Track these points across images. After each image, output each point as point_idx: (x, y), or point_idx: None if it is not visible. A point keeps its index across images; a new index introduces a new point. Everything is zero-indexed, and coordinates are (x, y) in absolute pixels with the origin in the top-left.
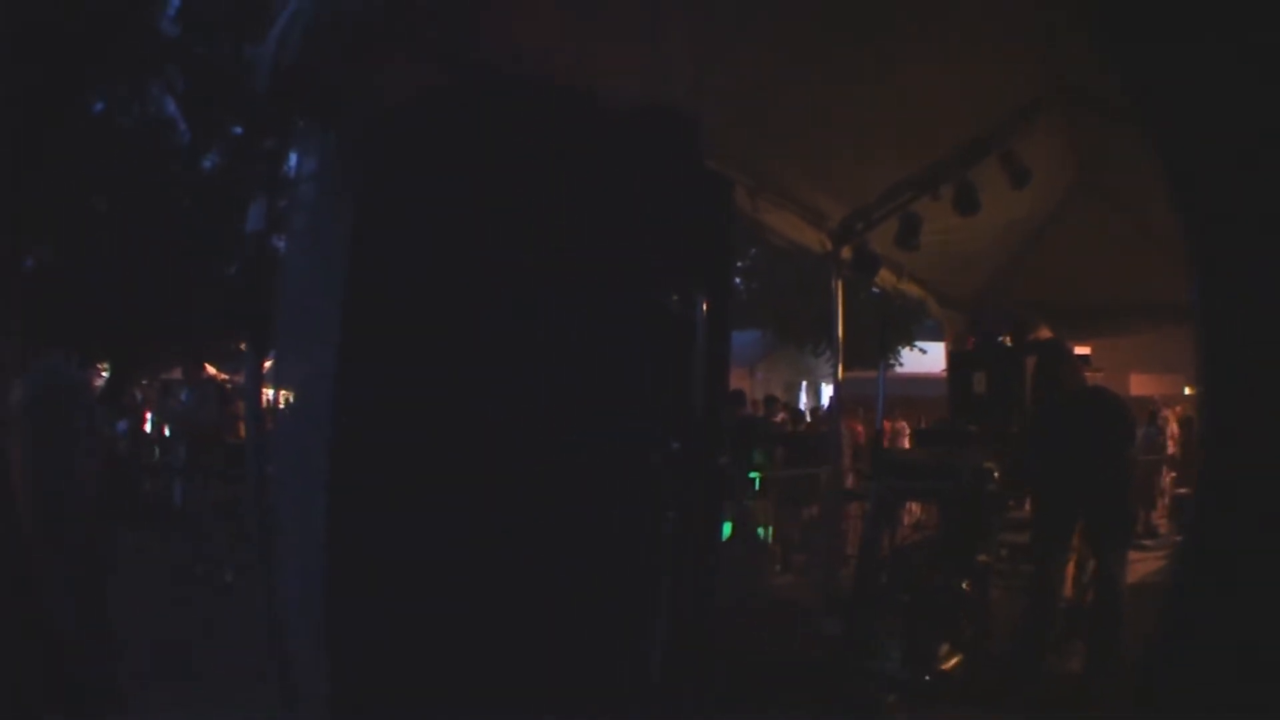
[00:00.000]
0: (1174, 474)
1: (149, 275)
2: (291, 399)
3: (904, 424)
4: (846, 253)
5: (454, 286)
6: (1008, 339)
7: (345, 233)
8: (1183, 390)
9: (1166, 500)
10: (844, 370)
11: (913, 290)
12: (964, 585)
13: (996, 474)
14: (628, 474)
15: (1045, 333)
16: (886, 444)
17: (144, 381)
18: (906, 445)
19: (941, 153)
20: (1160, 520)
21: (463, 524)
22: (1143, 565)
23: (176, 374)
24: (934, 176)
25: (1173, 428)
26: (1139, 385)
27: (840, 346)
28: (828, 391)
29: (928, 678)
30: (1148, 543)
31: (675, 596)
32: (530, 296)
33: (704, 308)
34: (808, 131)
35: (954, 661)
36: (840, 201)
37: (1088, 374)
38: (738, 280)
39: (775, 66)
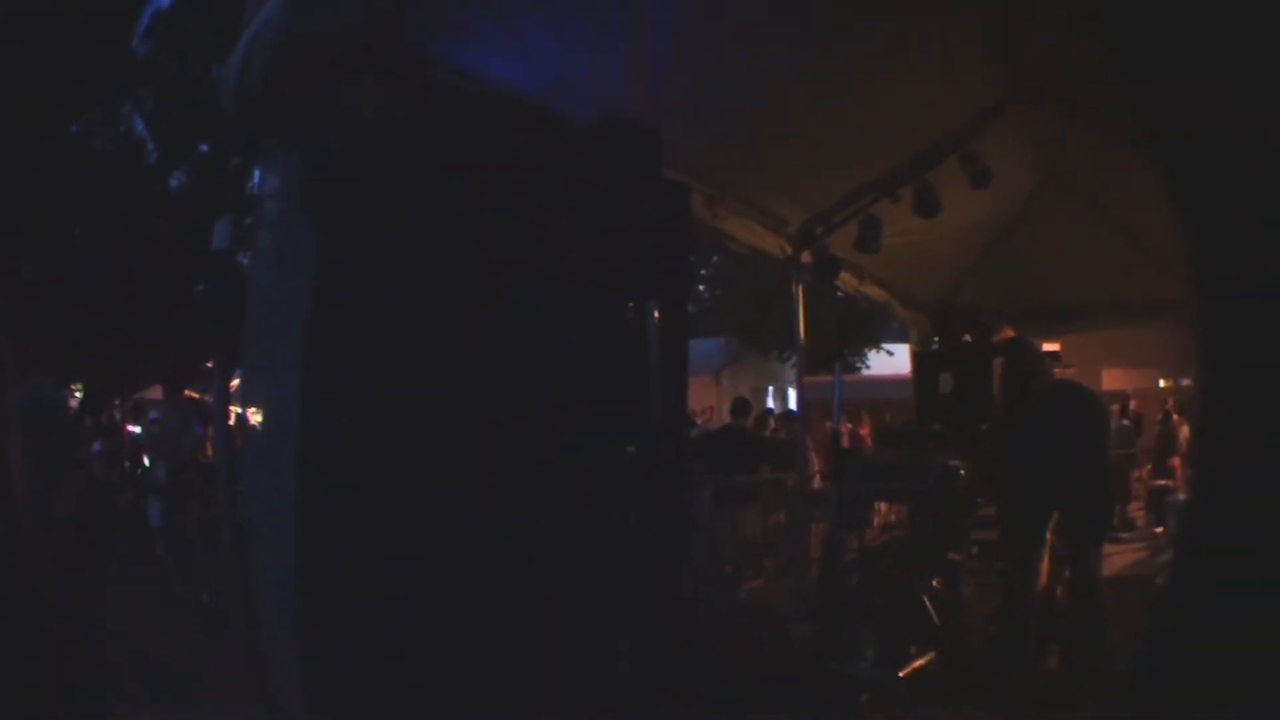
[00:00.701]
0: (1150, 466)
1: (123, 294)
2: (259, 417)
3: (865, 427)
4: (807, 257)
5: (416, 300)
6: (973, 339)
7: (309, 249)
8: (1157, 383)
9: (1143, 493)
10: (810, 375)
11: (875, 293)
12: (935, 583)
13: (964, 473)
14: (584, 477)
15: (1009, 332)
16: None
17: (117, 401)
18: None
19: (902, 156)
20: (1138, 513)
21: (428, 535)
22: (1119, 558)
23: (156, 393)
24: (894, 179)
25: (1151, 421)
26: (1111, 380)
27: (802, 351)
28: (793, 395)
29: (901, 676)
30: (1124, 535)
31: (643, 600)
32: (490, 309)
33: (656, 315)
34: (767, 138)
35: (927, 660)
36: (800, 206)
37: (1058, 370)
38: (702, 288)
39: (734, 73)
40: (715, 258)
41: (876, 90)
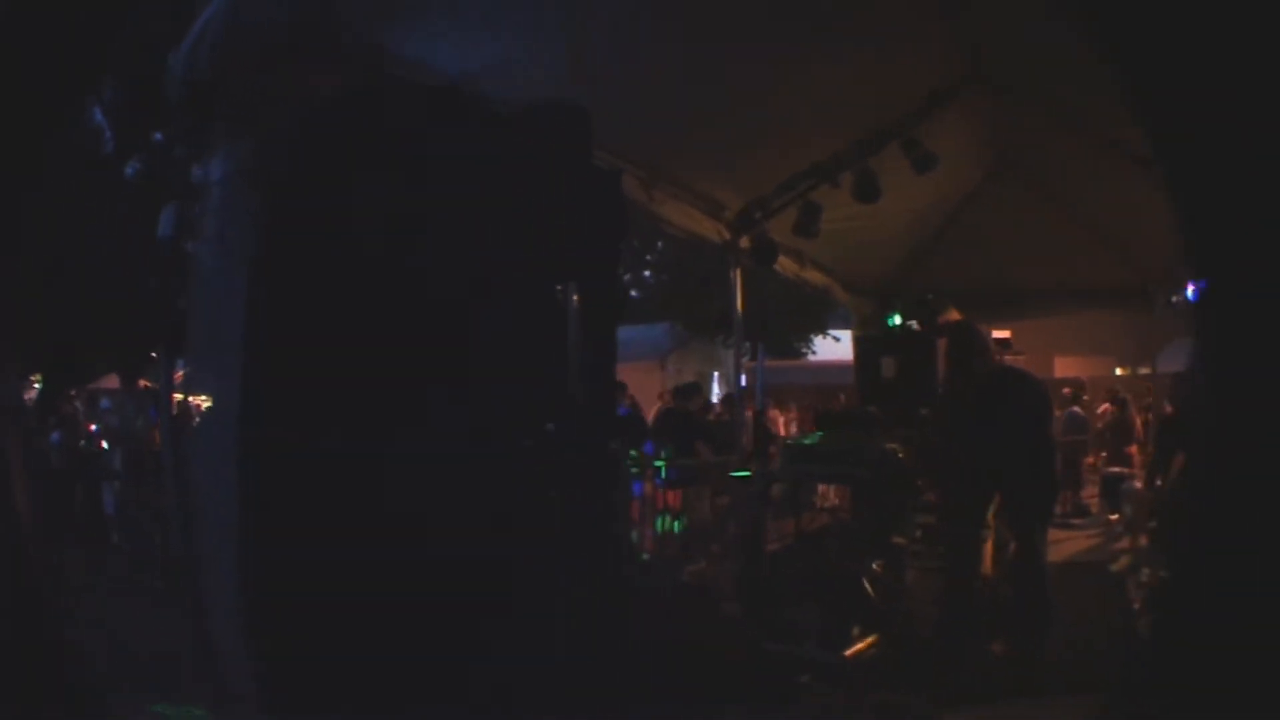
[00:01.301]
0: (1104, 453)
1: (78, 283)
2: (204, 405)
3: (793, 413)
4: (745, 242)
5: (348, 285)
6: (917, 323)
7: (250, 236)
8: (1113, 371)
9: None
10: (757, 360)
11: (816, 278)
12: (875, 566)
13: (902, 456)
14: (503, 456)
15: (954, 315)
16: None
17: (74, 393)
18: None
19: (844, 141)
20: (1091, 500)
21: (365, 518)
22: (1071, 544)
23: (113, 383)
24: (835, 165)
25: (1104, 407)
26: (1064, 367)
27: (740, 335)
28: (742, 381)
29: (843, 657)
30: (1076, 522)
31: (570, 578)
32: (424, 294)
33: (575, 298)
34: (705, 123)
35: (869, 642)
36: (739, 191)
37: (1009, 357)
38: (647, 273)
39: (672, 58)
40: (660, 243)
41: (819, 75)
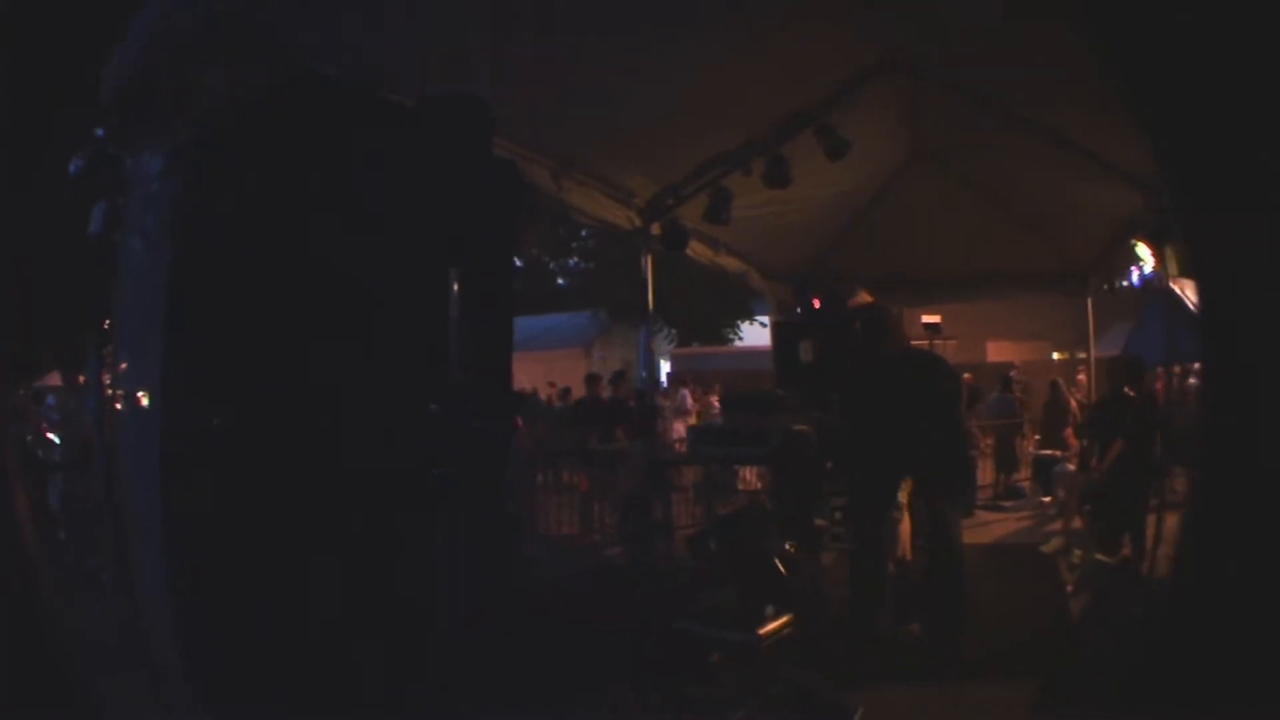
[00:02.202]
0: (1037, 437)
1: (16, 279)
2: (129, 396)
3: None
4: (657, 229)
5: (256, 278)
6: (827, 306)
7: (170, 229)
8: (1049, 356)
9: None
10: (681, 346)
11: (731, 263)
12: (788, 546)
13: (809, 437)
14: (391, 437)
15: (866, 298)
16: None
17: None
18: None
19: (757, 128)
20: (1026, 482)
21: (275, 505)
22: (1000, 526)
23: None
24: (747, 152)
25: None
26: (996, 352)
27: (651, 321)
28: (665, 367)
29: (755, 636)
30: (1007, 504)
31: (463, 562)
32: (325, 284)
33: (455, 286)
34: (617, 112)
35: (782, 622)
36: (651, 179)
37: (939, 341)
38: (573, 261)
39: (580, 47)
40: (585, 231)
41: (732, 62)
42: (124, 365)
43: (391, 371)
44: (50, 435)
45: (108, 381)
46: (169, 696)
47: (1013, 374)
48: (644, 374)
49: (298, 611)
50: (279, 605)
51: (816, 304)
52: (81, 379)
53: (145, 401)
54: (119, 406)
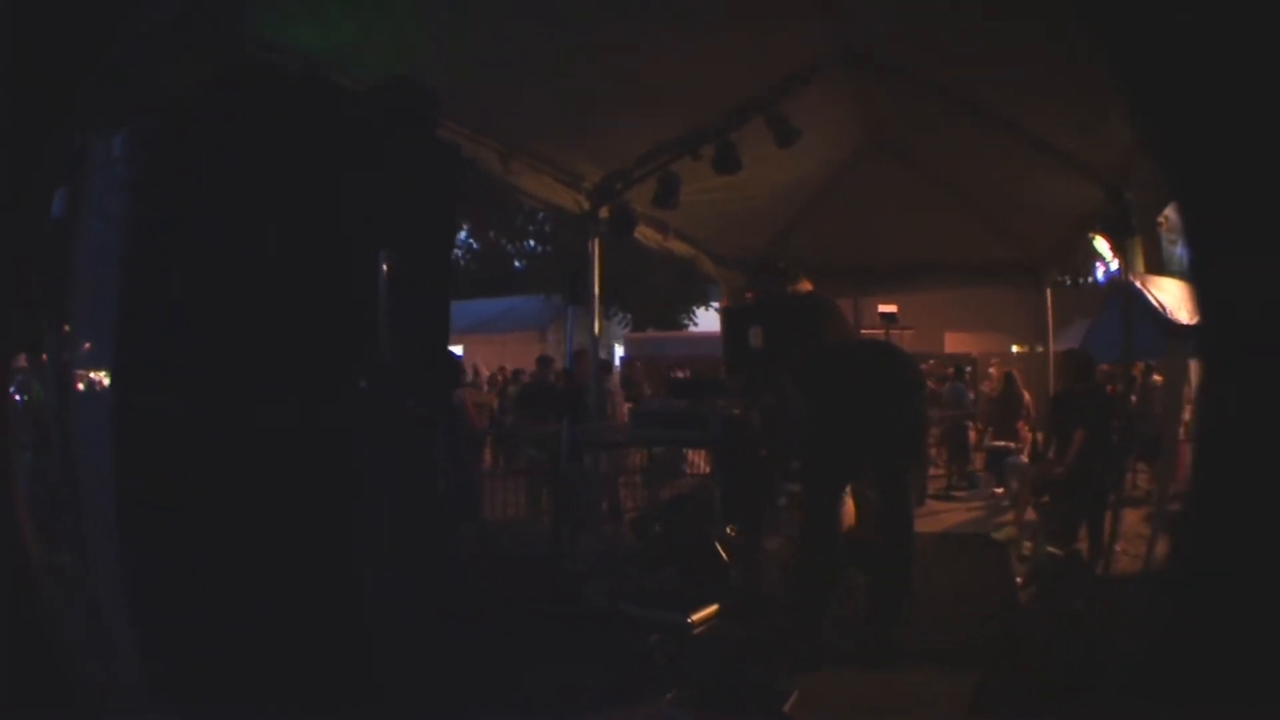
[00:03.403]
0: (992, 428)
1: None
2: (86, 377)
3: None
4: (605, 212)
5: (202, 264)
6: (766, 294)
7: (123, 212)
8: (1008, 348)
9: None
10: (636, 331)
11: (681, 248)
12: (729, 531)
13: (751, 422)
14: (326, 414)
15: (805, 286)
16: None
17: None
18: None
19: (708, 114)
20: (982, 473)
21: (217, 488)
22: (951, 516)
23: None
24: (696, 138)
25: (990, 383)
26: (954, 343)
27: (594, 305)
28: (619, 350)
29: (691, 620)
30: (959, 494)
31: (391, 541)
32: (267, 266)
33: (386, 265)
34: (566, 97)
35: (714, 606)
36: (600, 163)
37: (894, 331)
38: (530, 244)
39: (529, 31)
40: (541, 215)
41: (683, 49)
42: (84, 346)
43: (330, 351)
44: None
45: (67, 362)
46: (129, 690)
47: (966, 365)
48: (570, 358)
49: (245, 601)
50: (226, 594)
51: (749, 295)
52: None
53: (104, 382)
54: (78, 387)
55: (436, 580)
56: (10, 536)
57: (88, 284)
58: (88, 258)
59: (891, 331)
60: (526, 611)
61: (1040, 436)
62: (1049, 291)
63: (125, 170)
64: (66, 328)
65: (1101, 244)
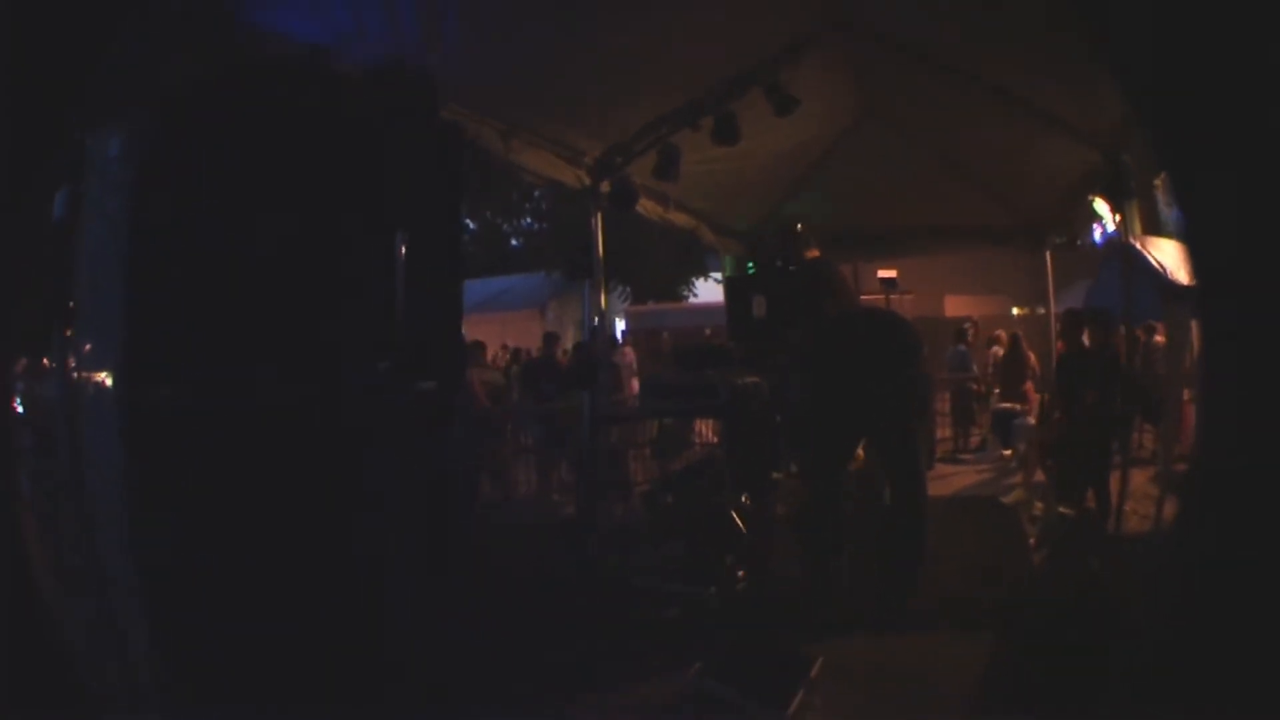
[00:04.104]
0: (997, 390)
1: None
2: (91, 378)
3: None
4: (606, 187)
5: (211, 253)
6: (780, 260)
7: (126, 210)
8: (1009, 311)
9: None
10: (636, 303)
11: (681, 220)
12: (744, 500)
13: (762, 391)
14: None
15: (813, 253)
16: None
17: None
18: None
19: (706, 86)
20: (989, 435)
21: (231, 485)
22: (960, 479)
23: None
24: (694, 109)
25: (997, 348)
26: (954, 307)
27: (600, 279)
28: (620, 325)
29: (710, 591)
30: (966, 457)
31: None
32: (275, 254)
33: (402, 248)
34: (565, 73)
35: (736, 575)
36: (599, 138)
37: (894, 296)
38: (527, 221)
39: (528, 7)
40: (538, 192)
41: (679, 21)
42: (87, 347)
43: (344, 338)
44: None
45: (71, 364)
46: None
47: (968, 328)
48: (588, 332)
49: (262, 599)
50: (239, 592)
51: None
52: (46, 361)
53: (107, 383)
54: (82, 389)
55: (455, 565)
56: (12, 538)
57: (91, 283)
58: (90, 257)
59: (891, 296)
60: (547, 588)
61: (1046, 398)
62: (1048, 254)
63: (124, 168)
64: (69, 331)
65: (1101, 206)
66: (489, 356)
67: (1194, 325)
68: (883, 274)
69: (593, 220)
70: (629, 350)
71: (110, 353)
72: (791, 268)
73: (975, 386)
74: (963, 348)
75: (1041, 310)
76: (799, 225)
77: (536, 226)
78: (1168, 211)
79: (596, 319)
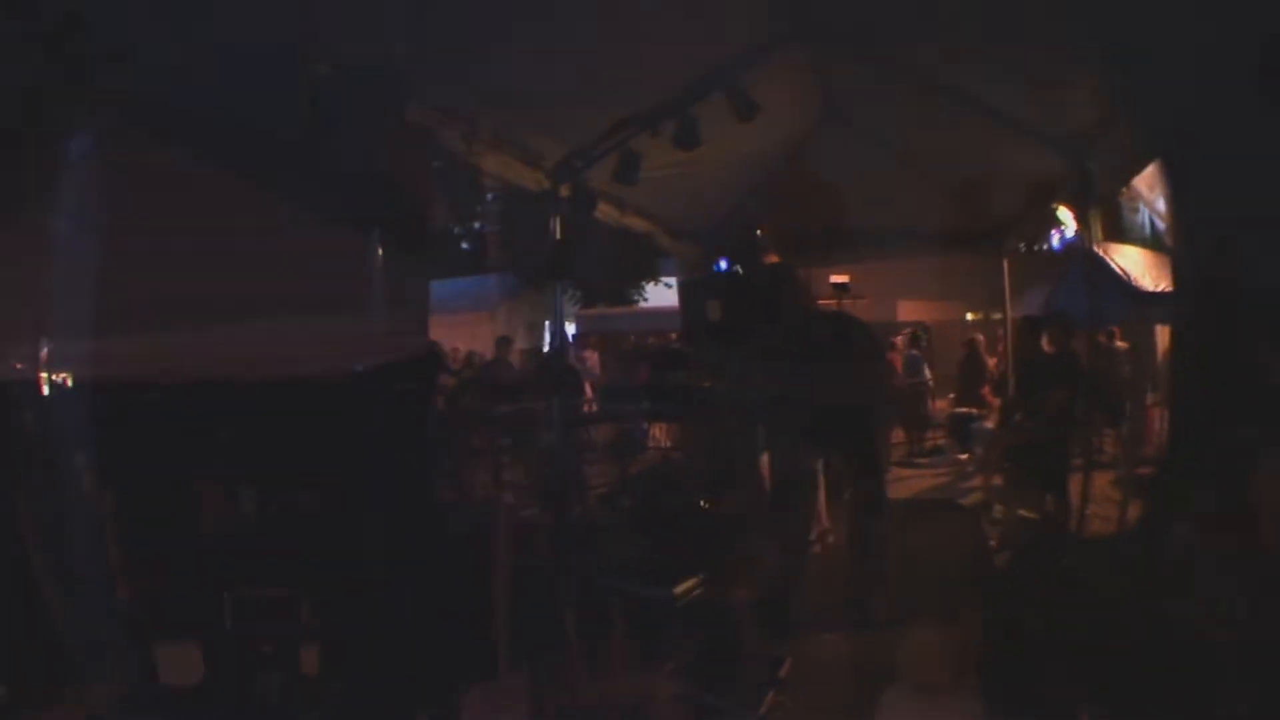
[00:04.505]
0: (954, 395)
1: None
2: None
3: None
4: (565, 191)
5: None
6: (740, 265)
7: (97, 210)
8: (963, 316)
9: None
10: (586, 307)
11: (639, 224)
12: (703, 504)
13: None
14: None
15: (773, 258)
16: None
17: None
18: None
19: (667, 90)
20: (940, 440)
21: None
22: (917, 482)
23: None
24: (655, 114)
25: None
26: (907, 311)
27: (561, 284)
28: (570, 328)
29: (673, 593)
30: (922, 461)
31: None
32: (244, 251)
33: (379, 250)
34: (526, 75)
35: (697, 580)
36: (561, 142)
37: (847, 301)
38: (478, 225)
39: (491, 9)
40: (490, 195)
41: (642, 25)
42: (57, 349)
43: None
44: None
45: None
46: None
47: (922, 334)
48: (553, 336)
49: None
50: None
51: (726, 260)
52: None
53: (71, 383)
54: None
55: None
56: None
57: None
58: (60, 257)
59: (844, 301)
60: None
61: (1006, 402)
62: (1005, 260)
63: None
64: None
65: (1065, 213)
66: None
67: (1159, 330)
68: (835, 279)
69: (552, 224)
70: (592, 354)
71: (84, 353)
72: (750, 272)
73: (929, 391)
74: (915, 353)
75: (997, 315)
76: (759, 230)
77: (488, 229)
78: (1132, 218)
79: (556, 323)
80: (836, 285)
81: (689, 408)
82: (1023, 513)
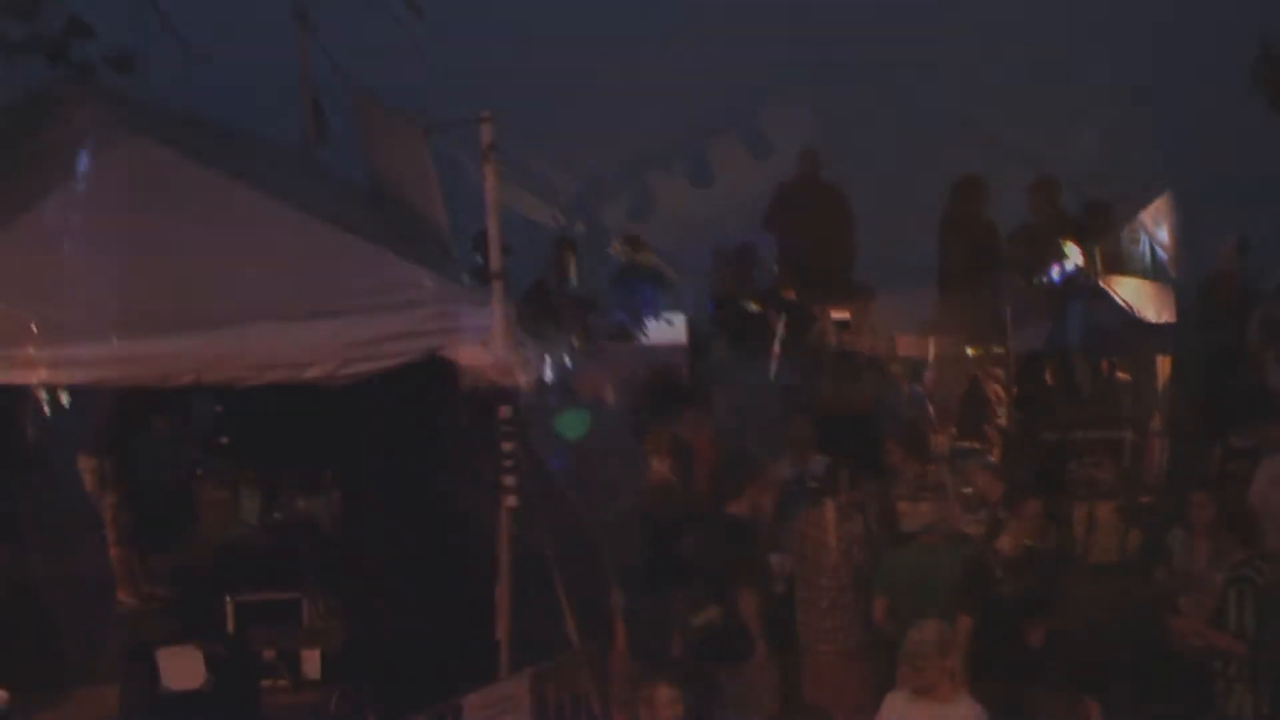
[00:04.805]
0: (956, 429)
1: None
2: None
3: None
4: (580, 225)
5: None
6: (754, 304)
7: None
8: (963, 350)
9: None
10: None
11: (649, 259)
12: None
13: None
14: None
15: (789, 294)
16: None
17: None
18: None
19: (681, 128)
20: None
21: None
22: (921, 516)
23: None
24: (670, 151)
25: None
26: (905, 346)
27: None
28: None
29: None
30: (925, 494)
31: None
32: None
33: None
34: (544, 113)
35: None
36: (575, 177)
37: (845, 337)
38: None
39: (511, 51)
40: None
41: (658, 65)
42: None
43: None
44: None
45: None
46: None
47: (925, 370)
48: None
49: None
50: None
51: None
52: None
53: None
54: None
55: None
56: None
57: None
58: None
59: (844, 337)
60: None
61: (1008, 435)
62: (1005, 294)
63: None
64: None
65: (1070, 247)
66: None
67: (1160, 361)
68: (836, 316)
69: (565, 258)
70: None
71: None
72: (757, 307)
73: (931, 425)
74: (917, 386)
75: (998, 350)
76: (775, 266)
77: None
78: (1131, 249)
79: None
80: (837, 322)
81: None
82: (1026, 543)
